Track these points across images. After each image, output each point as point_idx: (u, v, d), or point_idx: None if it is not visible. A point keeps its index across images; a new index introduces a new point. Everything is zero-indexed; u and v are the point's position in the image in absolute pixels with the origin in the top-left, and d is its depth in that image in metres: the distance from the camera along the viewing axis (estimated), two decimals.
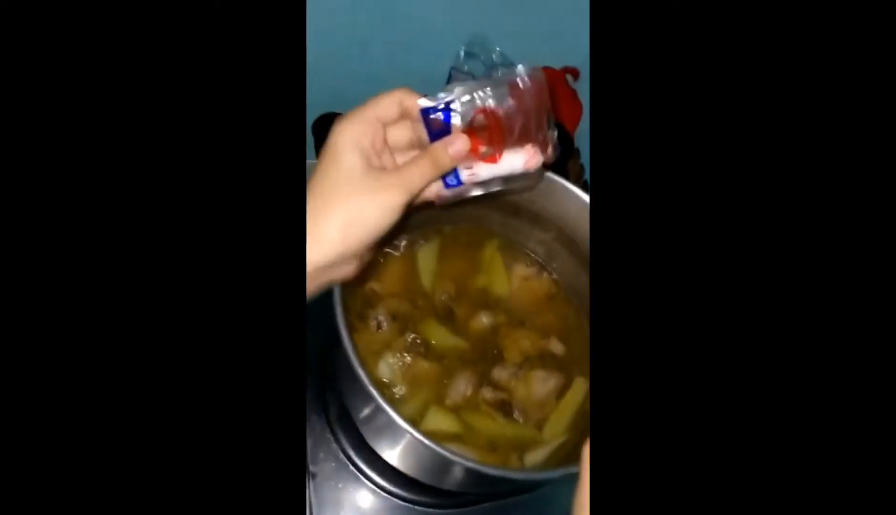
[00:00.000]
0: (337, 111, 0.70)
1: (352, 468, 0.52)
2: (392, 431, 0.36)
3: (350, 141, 0.32)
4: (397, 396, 0.46)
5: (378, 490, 0.52)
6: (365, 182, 0.32)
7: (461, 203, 0.51)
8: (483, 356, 0.50)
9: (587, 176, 0.97)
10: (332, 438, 0.52)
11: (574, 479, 0.30)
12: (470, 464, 0.36)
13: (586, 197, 0.49)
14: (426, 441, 0.35)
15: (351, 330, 0.48)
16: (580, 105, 0.94)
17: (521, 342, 0.52)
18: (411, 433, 0.35)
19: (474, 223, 0.56)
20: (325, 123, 0.72)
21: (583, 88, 0.95)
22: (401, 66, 0.86)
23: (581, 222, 0.50)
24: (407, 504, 0.52)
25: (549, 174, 0.49)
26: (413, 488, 0.50)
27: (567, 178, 0.49)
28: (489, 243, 0.56)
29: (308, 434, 0.51)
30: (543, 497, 0.54)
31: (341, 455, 0.52)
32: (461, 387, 0.48)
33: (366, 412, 0.38)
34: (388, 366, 0.47)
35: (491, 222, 0.56)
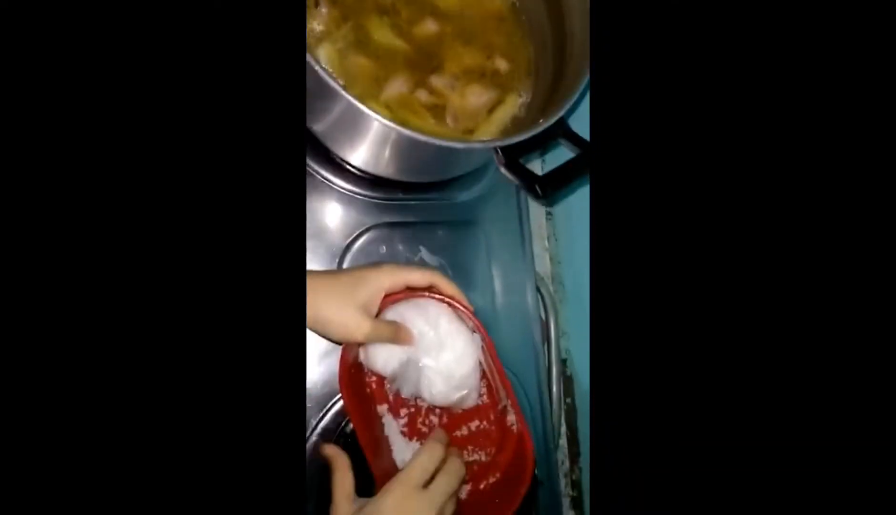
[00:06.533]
0: None
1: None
2: (337, 108, 0.39)
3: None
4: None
5: (325, 183, 0.57)
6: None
7: None
8: (424, 62, 0.52)
9: None
10: None
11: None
12: (405, 131, 0.40)
13: None
14: (363, 108, 0.38)
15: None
16: None
17: (463, 58, 0.53)
18: (347, 99, 0.38)
19: None
20: None
21: None
22: None
23: None
24: (346, 193, 0.57)
25: None
26: (354, 180, 0.55)
27: None
28: None
29: None
30: (463, 204, 0.60)
31: None
32: (398, 85, 0.50)
33: (319, 103, 0.40)
34: (324, 55, 0.48)
35: None
